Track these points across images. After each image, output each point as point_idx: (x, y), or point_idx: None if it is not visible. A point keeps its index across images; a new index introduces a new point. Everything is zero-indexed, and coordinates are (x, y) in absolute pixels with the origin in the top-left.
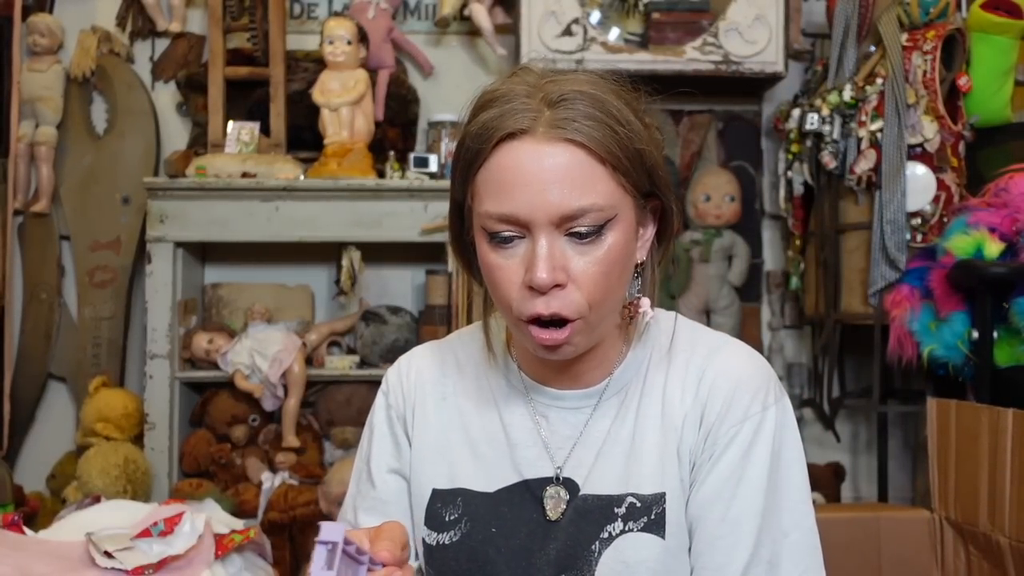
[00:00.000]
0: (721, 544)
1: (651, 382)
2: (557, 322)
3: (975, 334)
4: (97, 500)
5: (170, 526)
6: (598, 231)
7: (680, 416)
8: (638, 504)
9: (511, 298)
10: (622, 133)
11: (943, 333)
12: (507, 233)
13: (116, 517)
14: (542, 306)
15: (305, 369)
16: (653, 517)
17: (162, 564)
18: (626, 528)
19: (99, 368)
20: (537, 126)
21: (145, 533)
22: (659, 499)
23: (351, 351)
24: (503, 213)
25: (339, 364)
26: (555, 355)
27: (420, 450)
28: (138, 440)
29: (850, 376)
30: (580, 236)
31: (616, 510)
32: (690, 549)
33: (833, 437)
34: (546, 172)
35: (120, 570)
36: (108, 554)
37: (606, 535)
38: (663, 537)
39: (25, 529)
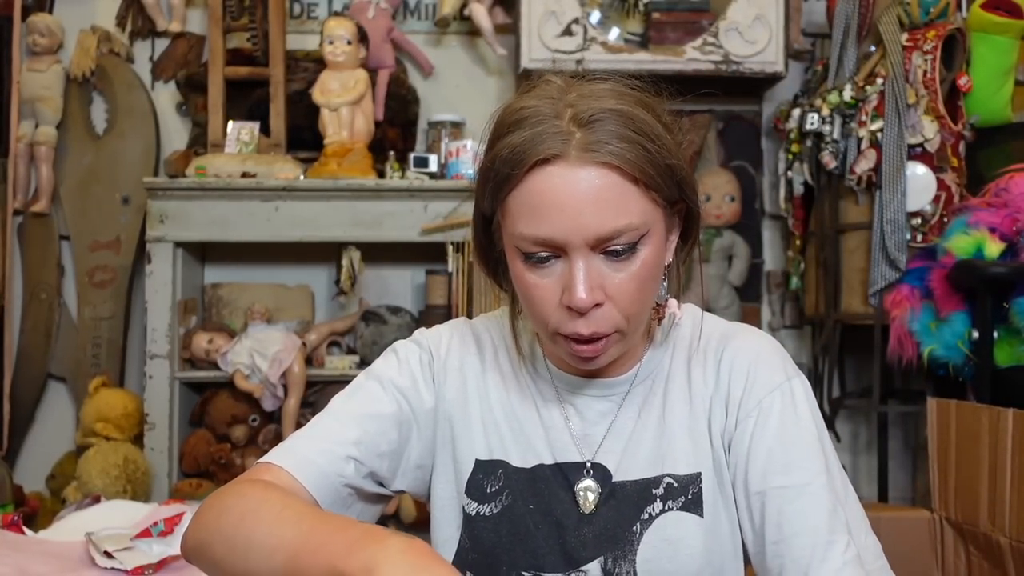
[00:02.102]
0: (790, 509)
1: (675, 369)
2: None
3: (975, 334)
4: (97, 500)
5: (170, 526)
6: (632, 248)
7: (706, 399)
8: (675, 484)
9: (548, 315)
10: (653, 150)
11: (943, 333)
12: (543, 254)
13: (116, 517)
14: (583, 326)
15: (305, 369)
16: (691, 496)
17: (162, 564)
18: (665, 508)
19: (99, 368)
20: (569, 150)
21: (145, 533)
22: (695, 479)
23: (351, 351)
24: (539, 237)
25: (339, 364)
26: (590, 365)
27: (462, 419)
28: (138, 440)
29: (850, 376)
30: (616, 255)
31: (654, 491)
32: (740, 526)
33: (833, 437)
34: (581, 196)
35: (120, 570)
36: (108, 554)
37: (646, 516)
38: (701, 516)
39: (25, 529)
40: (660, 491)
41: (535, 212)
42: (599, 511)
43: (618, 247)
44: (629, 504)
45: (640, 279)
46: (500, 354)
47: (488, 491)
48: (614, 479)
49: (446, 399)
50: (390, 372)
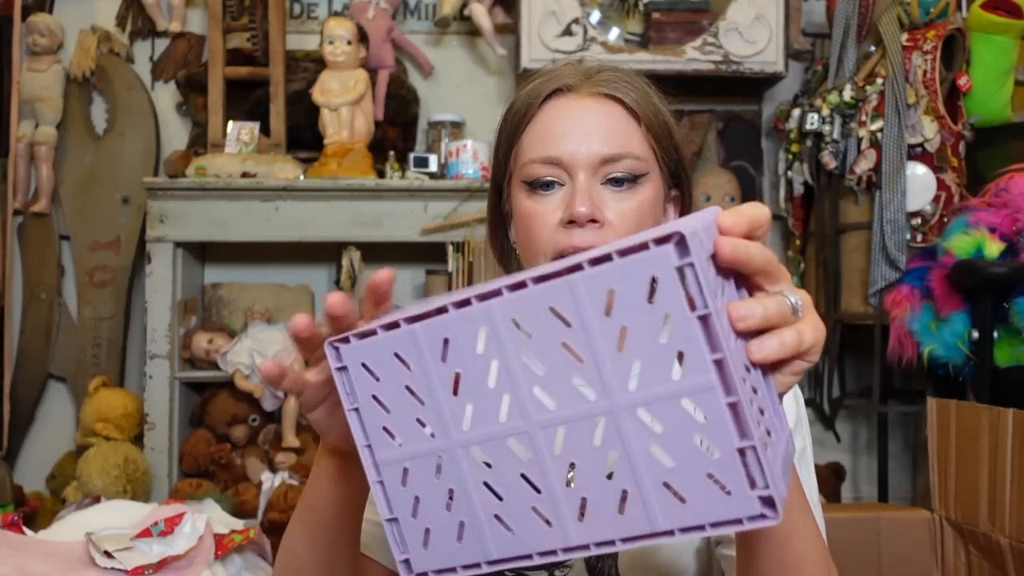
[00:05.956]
0: None
1: None
2: None
3: (975, 334)
4: (97, 500)
5: (170, 526)
6: (634, 180)
7: None
8: None
9: (547, 237)
10: (655, 103)
11: (943, 333)
12: (548, 178)
13: (116, 517)
14: (578, 238)
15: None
16: None
17: (162, 564)
18: None
19: (99, 368)
20: (582, 85)
21: (145, 533)
22: None
23: None
24: (547, 155)
25: None
26: None
27: None
28: (138, 440)
29: (850, 376)
30: (617, 182)
31: None
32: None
33: (833, 437)
34: (589, 122)
35: (120, 570)
36: (108, 554)
37: None
38: None
39: (25, 529)
40: None
41: (546, 136)
42: None
43: (620, 174)
44: None
45: (640, 215)
46: None
47: None
48: None
49: None
50: None
